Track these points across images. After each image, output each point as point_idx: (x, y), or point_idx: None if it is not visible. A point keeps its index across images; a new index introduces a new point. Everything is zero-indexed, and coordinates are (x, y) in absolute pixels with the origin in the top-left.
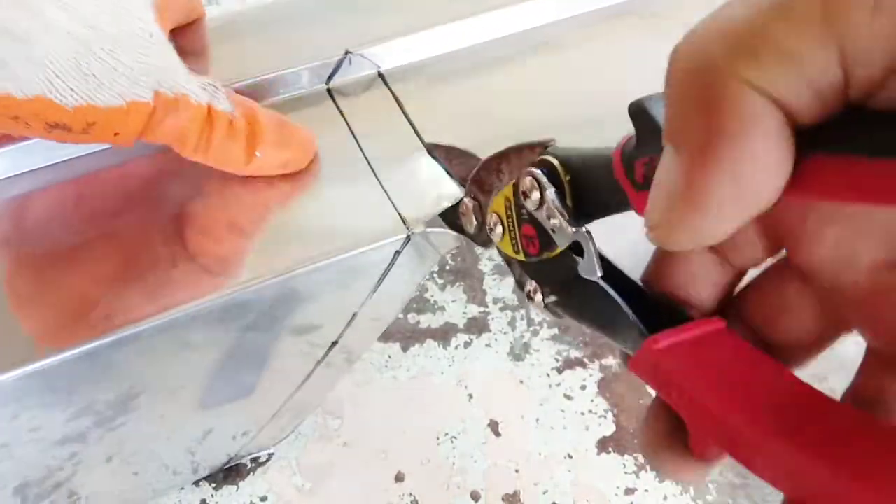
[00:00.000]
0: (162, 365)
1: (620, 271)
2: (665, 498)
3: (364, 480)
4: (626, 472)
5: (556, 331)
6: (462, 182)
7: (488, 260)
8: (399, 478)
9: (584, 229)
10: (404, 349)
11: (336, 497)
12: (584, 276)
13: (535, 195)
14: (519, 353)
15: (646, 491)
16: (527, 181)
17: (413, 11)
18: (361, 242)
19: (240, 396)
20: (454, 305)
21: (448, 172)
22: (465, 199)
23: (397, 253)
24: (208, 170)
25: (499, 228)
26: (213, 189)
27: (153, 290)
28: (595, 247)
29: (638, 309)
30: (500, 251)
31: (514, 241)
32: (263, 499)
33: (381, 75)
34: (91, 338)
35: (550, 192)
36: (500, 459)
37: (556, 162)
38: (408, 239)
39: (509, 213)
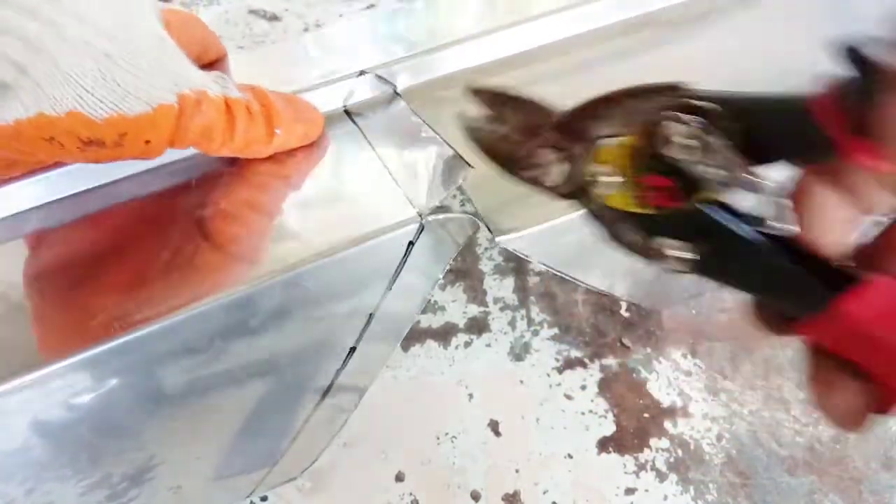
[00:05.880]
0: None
1: (777, 227)
2: (665, 498)
3: (364, 480)
4: (626, 472)
5: (556, 331)
6: (513, 133)
7: (488, 260)
8: (399, 478)
9: (757, 179)
10: (404, 349)
11: (336, 497)
12: (747, 232)
13: (686, 141)
14: (519, 353)
15: (646, 491)
16: (675, 127)
17: (427, 29)
18: (373, 234)
19: (258, 465)
20: (454, 305)
21: (488, 119)
22: (540, 150)
23: (411, 244)
24: (219, 178)
25: (610, 179)
26: (228, 196)
27: (167, 292)
28: (766, 196)
29: (810, 269)
30: (598, 205)
31: (634, 194)
32: (264, 499)
33: (397, 93)
34: (103, 339)
35: (716, 139)
36: (500, 459)
37: (713, 107)
38: (421, 227)
39: (631, 162)
